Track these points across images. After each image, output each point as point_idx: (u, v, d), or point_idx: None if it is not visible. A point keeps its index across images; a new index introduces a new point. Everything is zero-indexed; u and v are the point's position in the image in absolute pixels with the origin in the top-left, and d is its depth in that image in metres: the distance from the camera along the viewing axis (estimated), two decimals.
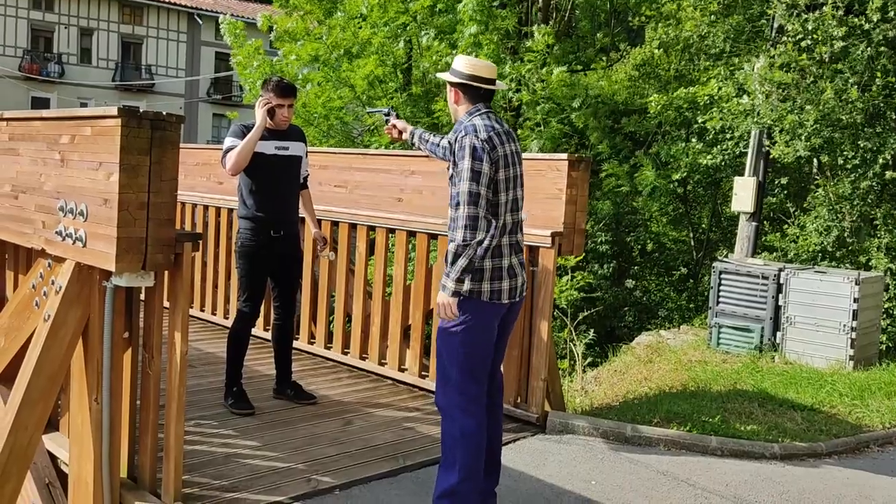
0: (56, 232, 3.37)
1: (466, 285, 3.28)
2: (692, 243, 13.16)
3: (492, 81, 3.40)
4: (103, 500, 3.28)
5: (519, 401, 4.86)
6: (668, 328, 9.56)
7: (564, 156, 4.76)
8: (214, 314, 7.00)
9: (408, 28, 12.22)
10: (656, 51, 10.95)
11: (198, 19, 35.58)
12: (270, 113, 4.62)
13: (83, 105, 29.81)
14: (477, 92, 3.39)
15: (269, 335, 6.02)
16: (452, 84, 3.42)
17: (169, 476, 3.35)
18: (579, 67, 12.65)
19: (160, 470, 3.45)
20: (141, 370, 3.50)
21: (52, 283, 3.39)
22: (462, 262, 3.21)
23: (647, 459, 4.41)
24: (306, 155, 4.97)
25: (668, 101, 10.03)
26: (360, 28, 12.26)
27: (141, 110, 3.07)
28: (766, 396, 5.81)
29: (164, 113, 3.12)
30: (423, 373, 5.35)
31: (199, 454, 4.07)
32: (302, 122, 12.46)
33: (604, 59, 13.27)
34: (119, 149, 2.99)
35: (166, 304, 3.38)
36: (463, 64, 3.42)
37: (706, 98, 9.40)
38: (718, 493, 4.02)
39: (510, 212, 3.37)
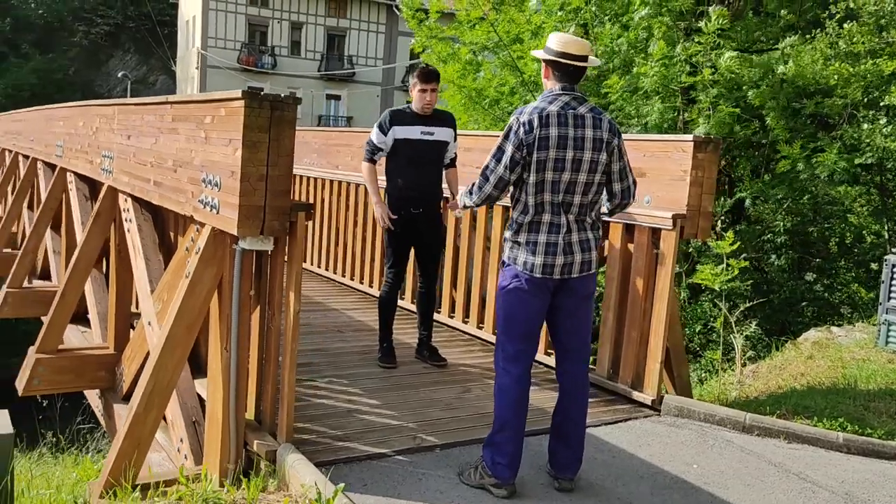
0: (199, 200, 3.87)
1: (507, 252, 3.51)
2: (886, 236, 12.10)
3: (582, 58, 3.43)
4: (230, 435, 3.74)
5: (635, 382, 4.85)
6: (841, 325, 8.94)
7: (690, 137, 4.67)
8: (362, 283, 7.68)
9: (581, 12, 12.15)
10: (847, 27, 10.16)
11: (396, 10, 37.10)
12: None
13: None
14: (566, 69, 3.44)
15: (413, 307, 6.44)
16: (544, 61, 3.50)
17: (283, 420, 3.75)
18: (764, 47, 11.96)
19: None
20: (266, 327, 3.93)
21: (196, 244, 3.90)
22: (465, 199, 3.69)
23: (761, 450, 4.27)
24: (455, 139, 5.32)
25: (853, 76, 9.27)
26: (534, 13, 12.36)
27: (263, 92, 3.46)
28: None
29: (282, 95, 3.49)
30: (548, 350, 5.46)
31: (325, 407, 4.48)
32: (475, 108, 12.85)
33: (792, 37, 12.47)
34: (242, 126, 3.40)
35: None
36: (555, 41, 3.48)
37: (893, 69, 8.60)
38: (830, 488, 3.83)
39: (558, 192, 3.41)
